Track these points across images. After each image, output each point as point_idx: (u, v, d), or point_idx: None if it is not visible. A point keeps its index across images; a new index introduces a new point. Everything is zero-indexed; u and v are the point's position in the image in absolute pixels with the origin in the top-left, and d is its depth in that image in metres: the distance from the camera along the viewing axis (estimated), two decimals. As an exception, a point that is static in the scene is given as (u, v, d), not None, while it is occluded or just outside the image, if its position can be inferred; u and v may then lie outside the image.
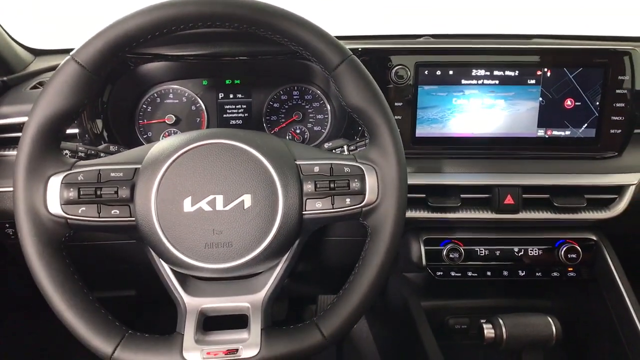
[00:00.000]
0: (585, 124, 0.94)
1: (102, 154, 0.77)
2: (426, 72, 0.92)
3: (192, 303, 0.66)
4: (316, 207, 0.66)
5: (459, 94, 0.93)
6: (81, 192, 0.62)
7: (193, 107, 1.06)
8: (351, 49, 0.67)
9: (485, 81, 0.93)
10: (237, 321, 0.68)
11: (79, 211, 0.62)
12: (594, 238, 0.98)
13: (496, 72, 0.93)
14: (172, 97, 1.06)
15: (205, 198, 0.63)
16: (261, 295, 0.67)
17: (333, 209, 0.66)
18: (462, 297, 1.10)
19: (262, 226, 0.63)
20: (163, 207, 0.62)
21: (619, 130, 0.94)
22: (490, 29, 1.30)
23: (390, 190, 0.66)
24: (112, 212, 0.63)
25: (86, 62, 0.62)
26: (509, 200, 0.92)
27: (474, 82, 0.93)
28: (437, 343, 0.98)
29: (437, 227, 0.98)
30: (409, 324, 1.03)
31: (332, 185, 0.66)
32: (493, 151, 0.96)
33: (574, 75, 0.92)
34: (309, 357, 0.64)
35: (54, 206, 0.62)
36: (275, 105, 1.07)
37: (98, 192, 0.63)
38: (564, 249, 0.96)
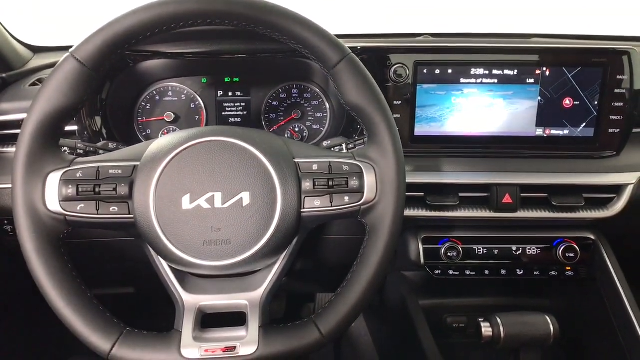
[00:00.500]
0: (584, 124, 0.94)
1: (101, 151, 0.77)
2: (425, 71, 0.92)
3: (191, 300, 0.66)
4: (314, 205, 0.66)
5: (458, 93, 0.93)
6: (80, 189, 0.62)
7: (192, 105, 1.06)
8: (350, 48, 0.67)
9: (484, 80, 0.93)
10: (235, 319, 0.68)
11: (78, 208, 0.62)
12: (592, 237, 0.99)
13: (495, 71, 0.93)
14: (171, 94, 1.06)
15: (203, 195, 0.63)
16: (259, 293, 0.67)
17: (331, 207, 0.66)
18: (460, 295, 1.10)
19: (260, 224, 0.63)
20: (161, 205, 0.62)
21: (618, 130, 0.94)
22: (489, 29, 1.31)
23: (388, 188, 0.66)
24: (111, 209, 0.63)
25: (85, 59, 0.62)
26: (507, 199, 0.92)
27: (473, 81, 0.93)
28: (435, 341, 0.98)
29: (436, 226, 0.98)
30: (407, 322, 1.03)
31: (330, 183, 0.66)
32: (491, 150, 0.96)
33: (572, 74, 0.92)
34: (307, 355, 0.64)
35: (53, 203, 0.62)
36: (274, 103, 1.07)
37: (97, 189, 0.63)
38: (562, 248, 0.96)
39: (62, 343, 1.27)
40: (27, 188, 0.61)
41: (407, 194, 0.68)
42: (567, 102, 0.93)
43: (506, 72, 0.93)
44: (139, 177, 0.64)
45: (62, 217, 0.62)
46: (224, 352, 0.62)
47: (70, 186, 0.62)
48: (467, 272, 0.98)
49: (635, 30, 1.22)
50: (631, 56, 0.91)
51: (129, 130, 1.04)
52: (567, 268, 0.99)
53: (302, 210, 0.65)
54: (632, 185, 0.93)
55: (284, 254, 0.68)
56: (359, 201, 0.66)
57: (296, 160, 0.67)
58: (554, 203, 0.92)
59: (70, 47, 0.63)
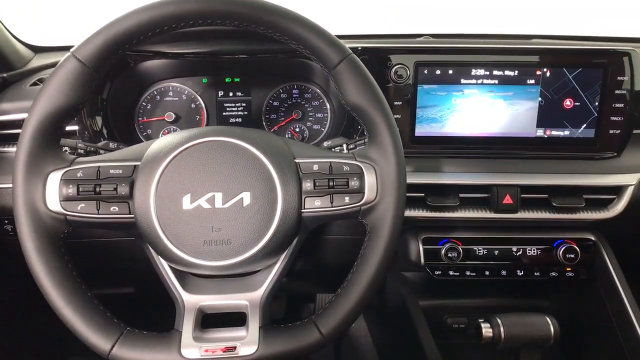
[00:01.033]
0: (585, 124, 0.94)
1: (101, 151, 0.77)
2: (426, 72, 0.92)
3: (191, 300, 0.66)
4: (315, 205, 0.66)
5: (459, 94, 0.94)
6: (80, 189, 0.62)
7: (193, 105, 1.06)
8: (351, 48, 0.67)
9: (485, 81, 0.93)
10: (236, 319, 0.68)
11: (78, 208, 0.62)
12: (593, 238, 0.99)
13: (495, 72, 0.93)
14: (171, 94, 1.06)
15: (204, 195, 0.63)
16: (259, 293, 0.67)
17: (332, 207, 0.66)
18: (460, 296, 1.10)
19: (260, 224, 0.63)
20: (162, 205, 0.62)
21: (618, 131, 0.94)
22: (489, 29, 1.31)
23: (389, 188, 0.66)
24: (111, 209, 0.63)
25: (86, 59, 0.62)
26: (507, 200, 0.92)
27: (474, 81, 0.93)
28: (435, 342, 0.98)
29: (436, 227, 0.98)
30: (407, 323, 1.03)
31: (331, 183, 0.66)
32: (492, 151, 0.96)
33: (573, 75, 0.92)
34: (307, 355, 0.64)
35: (53, 202, 0.62)
36: (275, 103, 1.07)
37: (97, 189, 0.63)
38: (563, 249, 0.96)
39: (62, 343, 1.27)
40: (27, 188, 0.61)
41: (408, 194, 0.68)
42: (568, 102, 0.93)
43: (507, 72, 0.93)
44: (140, 177, 0.64)
45: (63, 217, 0.62)
46: (224, 352, 0.62)
47: (70, 186, 0.62)
48: (468, 273, 0.98)
49: (635, 31, 1.22)
50: (632, 57, 0.91)
51: (129, 130, 1.04)
52: (568, 269, 0.99)
53: (302, 210, 0.65)
54: (633, 187, 0.93)
55: (284, 254, 0.68)
56: (359, 201, 0.66)
57: (297, 161, 0.67)
58: (554, 204, 0.92)
59: (71, 47, 0.63)
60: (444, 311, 1.09)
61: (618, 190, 0.94)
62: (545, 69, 0.92)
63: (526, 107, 0.94)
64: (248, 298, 0.67)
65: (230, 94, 1.07)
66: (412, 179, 0.90)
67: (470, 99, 0.94)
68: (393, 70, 0.91)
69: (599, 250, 0.98)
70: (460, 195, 0.93)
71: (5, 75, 0.97)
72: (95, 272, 1.07)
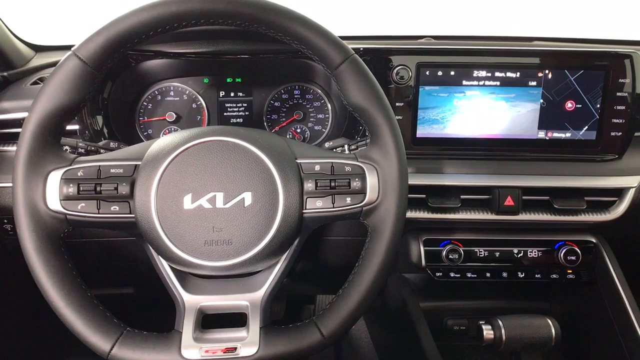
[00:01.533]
0: (586, 127, 0.94)
1: (102, 150, 0.77)
2: (427, 73, 0.92)
3: (191, 301, 0.66)
4: (316, 205, 0.66)
5: (460, 95, 0.93)
6: (81, 188, 0.62)
7: (194, 105, 1.06)
8: (352, 49, 0.67)
9: (487, 82, 0.93)
10: (236, 319, 0.68)
11: (79, 207, 0.62)
12: (594, 240, 0.98)
13: (497, 74, 0.93)
14: (172, 94, 1.05)
15: (205, 195, 0.62)
16: (260, 293, 0.67)
17: (333, 207, 0.66)
18: (461, 298, 1.10)
19: (262, 224, 0.63)
20: (163, 204, 0.62)
21: (620, 133, 0.94)
22: (491, 32, 1.31)
23: (391, 189, 0.65)
24: (112, 208, 0.63)
25: (87, 58, 0.62)
26: (509, 201, 0.92)
27: (475, 83, 0.93)
28: (435, 344, 0.98)
29: (437, 228, 0.98)
30: (408, 324, 1.03)
31: (332, 184, 0.66)
32: (493, 152, 0.96)
33: (575, 77, 0.92)
34: (307, 356, 0.64)
35: (54, 202, 0.62)
36: (276, 104, 1.07)
37: (98, 188, 0.63)
38: (564, 251, 0.96)
39: (62, 343, 1.27)
40: (27, 187, 0.61)
41: (409, 195, 0.68)
42: (569, 105, 0.93)
43: (508, 74, 0.93)
44: (140, 177, 0.63)
45: (63, 216, 0.62)
46: (224, 352, 0.62)
47: (71, 185, 0.62)
48: (468, 275, 0.98)
49: (637, 34, 1.22)
50: (633, 60, 0.91)
51: (130, 130, 1.04)
52: (569, 271, 0.99)
53: (304, 210, 0.65)
54: (634, 189, 0.93)
55: (285, 254, 0.68)
56: (361, 202, 0.66)
57: (298, 161, 0.67)
58: (555, 206, 0.92)
59: (72, 46, 0.63)
60: (445, 313, 1.09)
61: (619, 192, 0.94)
62: (547, 71, 0.92)
63: (528, 109, 0.94)
64: (249, 299, 0.66)
65: (232, 94, 1.07)
66: (413, 180, 0.90)
67: (472, 101, 0.94)
68: (395, 71, 0.91)
69: (600, 253, 0.98)
70: (462, 196, 0.93)
71: (5, 74, 0.97)
72: (95, 272, 1.07)
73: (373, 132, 0.68)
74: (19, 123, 0.91)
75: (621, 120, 0.93)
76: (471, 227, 0.98)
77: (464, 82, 0.93)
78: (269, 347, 0.62)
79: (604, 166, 0.95)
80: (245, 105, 1.07)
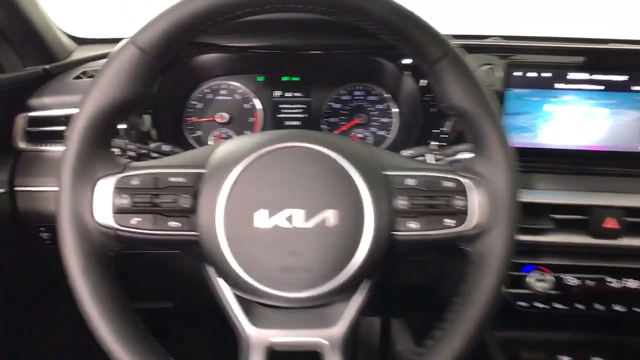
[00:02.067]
0: (701, 139, 0.81)
1: (153, 154, 0.68)
2: (518, 74, 0.80)
3: (259, 336, 0.56)
4: (409, 227, 0.55)
5: (554, 100, 0.82)
6: (135, 200, 0.53)
7: (245, 106, 0.96)
8: None
9: (584, 86, 0.81)
10: (304, 356, 0.58)
11: (132, 222, 0.53)
12: None
13: (596, 76, 0.81)
14: (224, 93, 0.96)
15: (281, 212, 0.52)
16: (339, 330, 0.56)
17: (430, 230, 0.55)
18: (540, 328, 0.97)
19: (347, 248, 0.53)
20: (232, 221, 0.52)
21: None
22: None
23: (502, 210, 0.54)
24: (171, 224, 0.53)
25: (147, 46, 0.52)
26: (609, 223, 0.79)
27: (571, 87, 0.81)
28: None
29: (521, 250, 0.86)
30: (482, 357, 0.91)
31: (429, 202, 0.55)
32: (591, 166, 0.83)
33: (691, 82, 0.80)
34: None
35: (103, 214, 0.52)
36: (336, 105, 0.97)
37: (155, 200, 0.53)
38: (671, 282, 0.83)
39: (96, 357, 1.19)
40: (74, 196, 0.52)
41: None
42: (682, 113, 0.81)
43: (609, 77, 0.81)
44: (205, 187, 0.54)
45: (113, 232, 0.53)
46: None
47: (124, 195, 0.53)
48: (557, 305, 0.85)
49: None
50: None
51: (177, 131, 0.95)
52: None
53: (395, 233, 0.55)
54: None
55: (369, 283, 0.58)
56: (464, 224, 0.55)
57: (387, 173, 0.57)
58: None
59: (116, 39, 0.54)
60: (521, 345, 0.96)
61: None
62: (657, 74, 0.80)
63: (631, 118, 0.82)
64: (326, 336, 0.56)
65: (287, 94, 0.97)
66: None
67: (567, 107, 0.82)
68: (481, 71, 0.80)
69: None
70: (553, 216, 0.81)
71: (47, 66, 0.89)
72: (131, 283, 0.98)
73: (478, 141, 0.57)
74: (60, 121, 0.83)
75: None
76: (559, 250, 0.85)
77: (558, 86, 0.81)
78: None
79: None
80: (302, 106, 0.97)
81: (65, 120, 0.82)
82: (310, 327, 0.57)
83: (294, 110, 0.97)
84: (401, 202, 0.55)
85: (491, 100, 0.56)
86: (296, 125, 0.97)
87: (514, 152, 0.56)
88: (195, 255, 0.56)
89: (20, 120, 0.83)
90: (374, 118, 0.97)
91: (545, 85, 0.81)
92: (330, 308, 0.59)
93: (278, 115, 0.97)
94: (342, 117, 0.97)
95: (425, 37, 0.54)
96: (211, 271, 0.58)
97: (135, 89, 0.53)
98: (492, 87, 0.81)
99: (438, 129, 0.85)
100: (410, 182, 0.56)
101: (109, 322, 0.50)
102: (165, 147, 0.71)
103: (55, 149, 0.83)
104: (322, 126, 0.97)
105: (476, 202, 0.55)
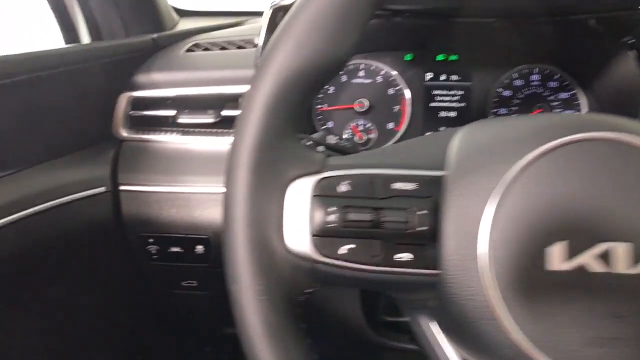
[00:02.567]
0: None
1: (320, 147, 0.49)
2: None
3: None
4: None
5: None
6: (347, 216, 0.33)
7: (390, 91, 0.76)
8: None
9: None
10: None
11: (341, 251, 0.33)
12: None
13: None
14: (363, 75, 0.77)
15: (593, 247, 0.31)
16: None
17: None
18: None
19: None
20: (505, 259, 0.32)
21: None
22: None
23: None
24: (398, 256, 0.34)
25: None
26: None
27: None
28: None
29: None
30: None
31: None
32: None
33: None
34: None
35: (298, 238, 0.33)
36: (506, 93, 0.76)
37: (376, 218, 0.33)
38: None
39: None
40: (256, 208, 0.33)
41: None
42: None
43: None
44: (451, 199, 0.33)
45: (310, 265, 0.34)
46: None
47: (329, 208, 0.33)
48: None
49: None
50: None
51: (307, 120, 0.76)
52: None
53: None
54: None
55: None
56: None
57: None
58: None
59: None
60: None
61: None
62: None
63: None
64: None
65: (442, 77, 0.77)
66: None
67: None
68: None
69: None
70: None
71: (154, 36, 0.72)
72: None
73: None
74: (174, 103, 0.65)
75: None
76: None
77: None
78: None
79: None
80: (462, 93, 0.76)
81: (175, 102, 0.65)
82: None
83: (450, 98, 0.76)
84: None
85: None
86: (453, 117, 0.77)
87: None
88: (425, 302, 0.36)
89: (123, 101, 0.66)
90: (557, 110, 0.75)
91: None
92: None
93: (431, 104, 0.77)
94: (512, 108, 0.76)
95: None
96: (434, 328, 0.38)
97: (347, 40, 0.34)
98: None
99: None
100: None
101: None
102: (331, 139, 0.51)
103: (167, 139, 0.65)
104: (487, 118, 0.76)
105: None
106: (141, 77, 0.67)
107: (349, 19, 0.34)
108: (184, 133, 0.66)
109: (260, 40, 0.64)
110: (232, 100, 0.65)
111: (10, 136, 0.56)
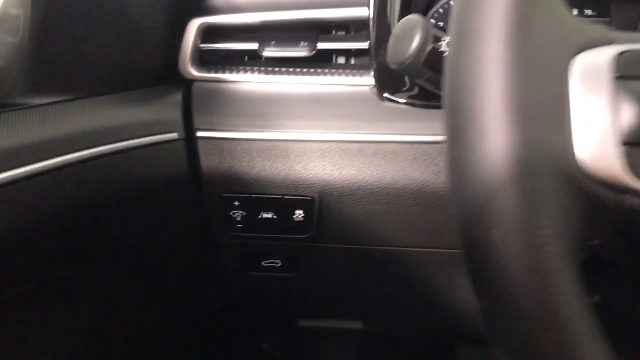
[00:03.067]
0: None
1: None
2: None
3: None
4: None
5: None
6: None
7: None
8: None
9: None
10: None
11: None
12: None
13: None
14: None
15: None
16: None
17: None
18: None
19: None
20: None
21: None
22: None
23: None
24: None
25: None
26: None
27: None
28: None
29: None
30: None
31: None
32: None
33: None
34: None
35: (596, 149, 0.19)
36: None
37: None
38: None
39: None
40: (524, 99, 0.19)
41: None
42: None
43: None
44: None
45: (613, 196, 0.20)
46: None
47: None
48: None
49: None
50: None
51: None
52: None
53: None
54: None
55: None
56: None
57: None
58: None
59: None
60: None
61: None
62: None
63: None
64: None
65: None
66: None
67: None
68: None
69: None
70: None
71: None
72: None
73: None
74: (252, 36, 0.51)
75: None
76: None
77: None
78: None
79: None
80: None
81: (259, 31, 0.51)
82: None
83: None
84: None
85: None
86: None
87: None
88: None
89: (193, 30, 0.52)
90: None
91: None
92: None
93: None
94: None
95: None
96: None
97: None
98: None
99: None
100: None
101: None
102: None
103: (247, 79, 0.51)
104: None
105: None
106: (217, -1, 0.52)
107: None
108: (268, 72, 0.51)
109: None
110: (332, 29, 0.51)
111: (64, 55, 0.42)
